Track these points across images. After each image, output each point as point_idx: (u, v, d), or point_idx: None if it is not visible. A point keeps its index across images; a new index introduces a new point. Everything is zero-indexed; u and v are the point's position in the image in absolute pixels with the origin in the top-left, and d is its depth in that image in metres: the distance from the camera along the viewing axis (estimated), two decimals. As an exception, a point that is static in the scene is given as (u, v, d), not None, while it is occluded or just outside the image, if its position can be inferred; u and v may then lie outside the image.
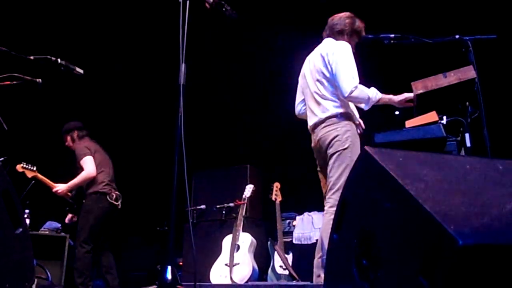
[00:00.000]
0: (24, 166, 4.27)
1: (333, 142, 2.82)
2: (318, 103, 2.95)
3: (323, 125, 2.90)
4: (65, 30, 5.36)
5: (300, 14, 5.22)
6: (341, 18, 3.05)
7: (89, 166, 4.31)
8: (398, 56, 4.46)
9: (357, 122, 2.99)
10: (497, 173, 1.45)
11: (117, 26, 5.43)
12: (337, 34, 3.02)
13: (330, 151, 2.84)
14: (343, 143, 2.79)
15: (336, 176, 2.78)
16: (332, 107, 2.89)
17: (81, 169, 4.34)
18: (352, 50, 2.98)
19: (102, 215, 4.25)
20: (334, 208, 2.64)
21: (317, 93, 2.97)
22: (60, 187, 4.33)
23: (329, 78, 2.90)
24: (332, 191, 2.79)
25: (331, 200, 2.78)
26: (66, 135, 4.57)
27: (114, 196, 4.33)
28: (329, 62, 2.88)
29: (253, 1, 5.00)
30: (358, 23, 3.05)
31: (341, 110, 2.87)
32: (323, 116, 2.90)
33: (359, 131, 3.08)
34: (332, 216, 2.65)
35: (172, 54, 2.72)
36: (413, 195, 1.24)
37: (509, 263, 1.12)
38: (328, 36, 3.07)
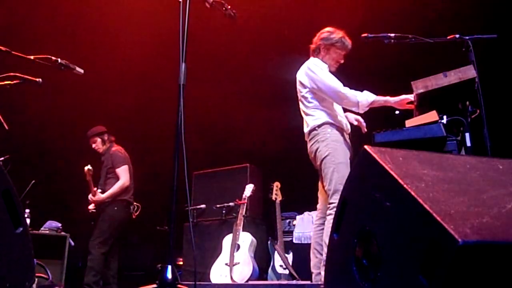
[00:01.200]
0: (90, 169, 4.41)
1: (317, 154, 3.10)
2: (304, 119, 3.26)
3: (308, 138, 3.20)
4: (66, 29, 5.36)
5: (299, 17, 5.22)
6: (316, 36, 3.29)
7: (126, 176, 4.55)
8: (398, 56, 4.45)
9: (340, 126, 3.18)
10: (497, 173, 1.45)
11: (117, 25, 5.43)
12: (313, 54, 3.29)
13: (317, 163, 3.11)
14: (324, 151, 3.05)
15: (328, 182, 3.00)
16: (311, 121, 3.17)
17: (114, 174, 4.54)
18: (334, 64, 3.24)
19: (123, 222, 4.50)
20: (334, 210, 2.82)
21: (302, 110, 3.28)
22: (98, 197, 4.48)
23: (306, 97, 3.18)
24: (330, 196, 3.00)
25: (331, 205, 2.97)
26: (96, 137, 4.72)
27: (136, 207, 4.61)
28: (306, 84, 3.16)
29: (254, 1, 5.00)
30: (335, 35, 3.24)
31: (318, 122, 3.13)
32: (306, 130, 3.21)
33: (363, 131, 3.32)
34: (332, 217, 2.78)
35: (172, 53, 2.72)
36: (413, 194, 1.25)
37: (508, 262, 1.12)
38: (311, 56, 3.31)
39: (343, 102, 3.11)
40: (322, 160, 3.04)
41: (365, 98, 3.07)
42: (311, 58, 3.26)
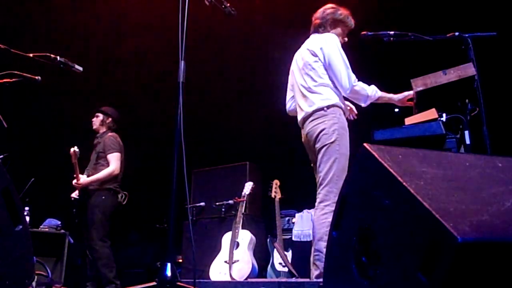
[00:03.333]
0: (76, 151, 4.11)
1: (320, 136, 2.80)
2: (305, 98, 2.94)
3: (310, 119, 2.88)
4: (65, 27, 5.35)
5: (297, 12, 5.21)
6: (321, 11, 3.07)
7: (116, 163, 4.28)
8: (397, 54, 4.45)
9: (347, 111, 2.98)
10: (496, 171, 1.45)
11: (116, 22, 5.42)
12: (319, 28, 3.04)
13: (317, 145, 2.81)
14: (330, 136, 2.76)
15: (325, 170, 2.75)
16: (318, 100, 2.86)
17: (105, 160, 4.29)
18: (341, 40, 3.01)
19: (113, 212, 4.23)
20: (324, 204, 2.70)
21: (304, 87, 2.96)
22: (83, 180, 4.18)
23: (316, 70, 2.91)
24: (322, 186, 2.77)
25: (320, 195, 2.76)
26: (102, 114, 4.50)
27: (124, 196, 4.34)
28: (319, 56, 2.90)
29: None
30: (341, 11, 3.05)
31: (327, 103, 2.85)
32: (310, 110, 2.89)
33: (352, 118, 3.11)
34: (322, 212, 2.69)
35: (171, 51, 2.72)
36: (412, 192, 1.25)
37: (508, 259, 1.13)
38: (313, 33, 3.10)
39: (351, 95, 2.92)
40: (326, 145, 2.75)
41: (374, 93, 2.93)
42: (327, 34, 2.97)
